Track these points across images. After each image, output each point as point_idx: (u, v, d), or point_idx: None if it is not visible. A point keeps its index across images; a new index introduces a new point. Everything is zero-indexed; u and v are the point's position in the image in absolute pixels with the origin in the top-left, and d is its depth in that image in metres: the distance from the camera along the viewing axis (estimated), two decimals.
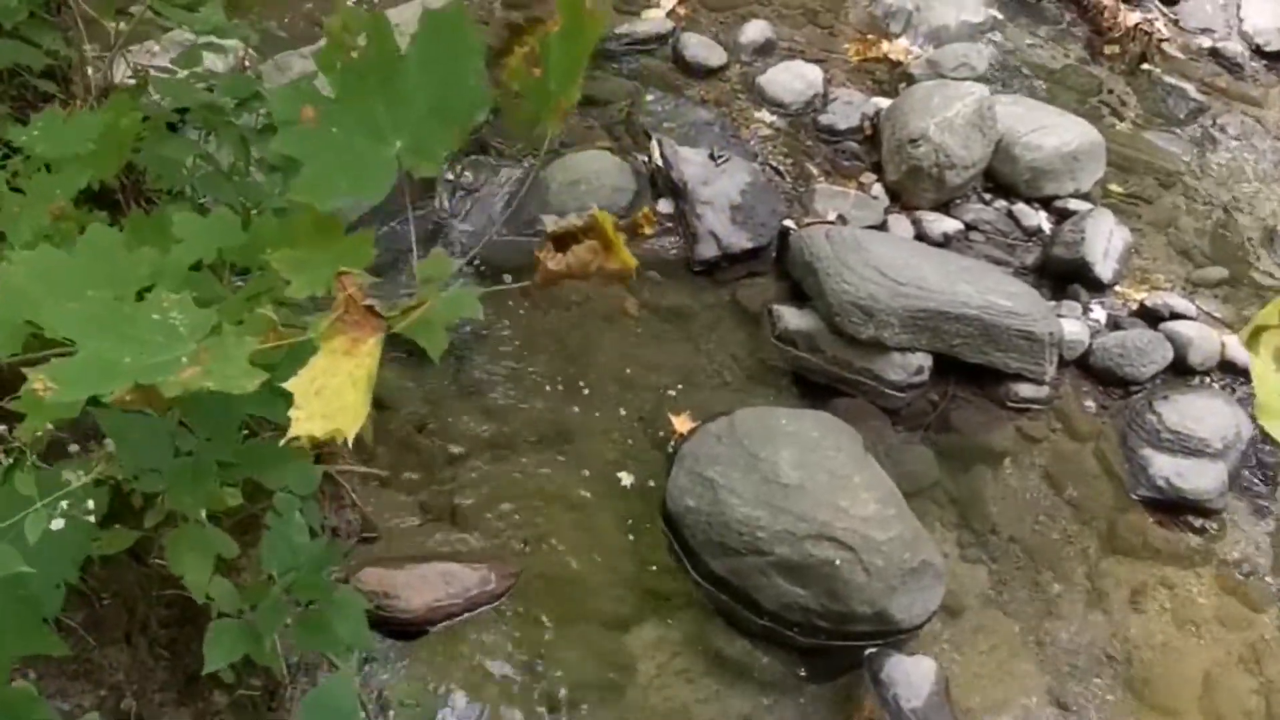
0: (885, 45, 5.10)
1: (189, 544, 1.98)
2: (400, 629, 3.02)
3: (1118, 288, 4.30)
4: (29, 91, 2.64)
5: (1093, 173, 4.62)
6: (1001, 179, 4.56)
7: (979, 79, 4.86)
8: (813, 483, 3.24)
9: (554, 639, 3.11)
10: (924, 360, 3.81)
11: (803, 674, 3.17)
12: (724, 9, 5.14)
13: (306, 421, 0.96)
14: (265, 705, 2.55)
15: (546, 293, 3.85)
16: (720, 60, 4.86)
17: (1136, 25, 5.37)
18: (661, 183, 4.28)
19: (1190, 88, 5.31)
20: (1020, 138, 4.52)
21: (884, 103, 4.70)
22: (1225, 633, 3.48)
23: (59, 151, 1.69)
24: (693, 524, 3.28)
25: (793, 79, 4.79)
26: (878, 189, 4.48)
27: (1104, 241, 4.29)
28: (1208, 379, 4.09)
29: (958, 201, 4.48)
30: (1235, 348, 4.10)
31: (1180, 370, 4.07)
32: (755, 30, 5.00)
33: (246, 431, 2.29)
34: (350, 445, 0.96)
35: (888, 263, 3.83)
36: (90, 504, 1.55)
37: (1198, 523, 3.72)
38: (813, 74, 4.82)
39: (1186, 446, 3.77)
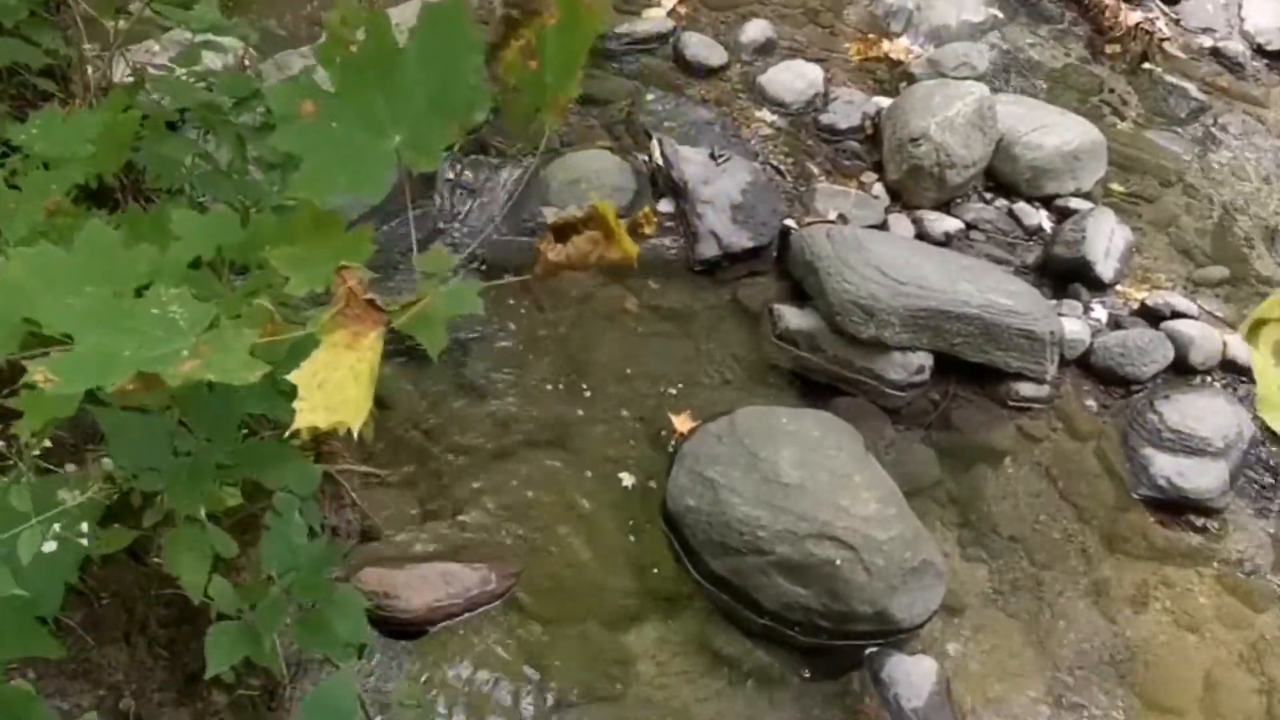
0: (886, 44, 5.10)
1: (186, 544, 1.97)
2: (400, 629, 3.01)
3: (1119, 287, 4.30)
4: (29, 90, 2.64)
5: (1094, 172, 4.61)
6: (1002, 178, 4.55)
7: (979, 78, 4.85)
8: (813, 482, 3.23)
9: (554, 639, 3.10)
10: (925, 359, 3.81)
11: (803, 674, 3.16)
12: (725, 8, 5.14)
13: (310, 414, 0.95)
14: (265, 705, 2.54)
15: (548, 291, 3.87)
16: (721, 59, 4.86)
17: (1137, 24, 5.37)
18: (662, 182, 4.27)
19: (1191, 87, 5.31)
20: (1021, 137, 4.52)
21: (885, 102, 4.70)
22: (1226, 632, 3.47)
23: (57, 151, 1.68)
24: (693, 523, 3.28)
25: (793, 78, 4.78)
26: (878, 188, 4.48)
27: (1105, 240, 4.28)
28: (1209, 378, 4.09)
29: (958, 201, 4.48)
30: (1236, 347, 4.09)
31: (1181, 369, 4.07)
32: (756, 29, 5.00)
33: (246, 431, 2.29)
34: (355, 438, 0.95)
35: (888, 262, 3.83)
36: (84, 526, 1.54)
37: (1199, 522, 3.72)
38: (813, 73, 4.82)
39: (1188, 446, 3.76)
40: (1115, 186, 4.73)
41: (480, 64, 1.15)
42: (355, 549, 3.11)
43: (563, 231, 1.13)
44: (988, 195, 4.55)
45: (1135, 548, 3.62)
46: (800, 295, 3.99)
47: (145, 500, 2.03)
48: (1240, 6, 5.67)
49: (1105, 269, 4.25)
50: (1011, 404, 3.89)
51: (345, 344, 0.97)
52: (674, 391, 3.73)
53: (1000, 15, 5.38)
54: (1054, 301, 4.15)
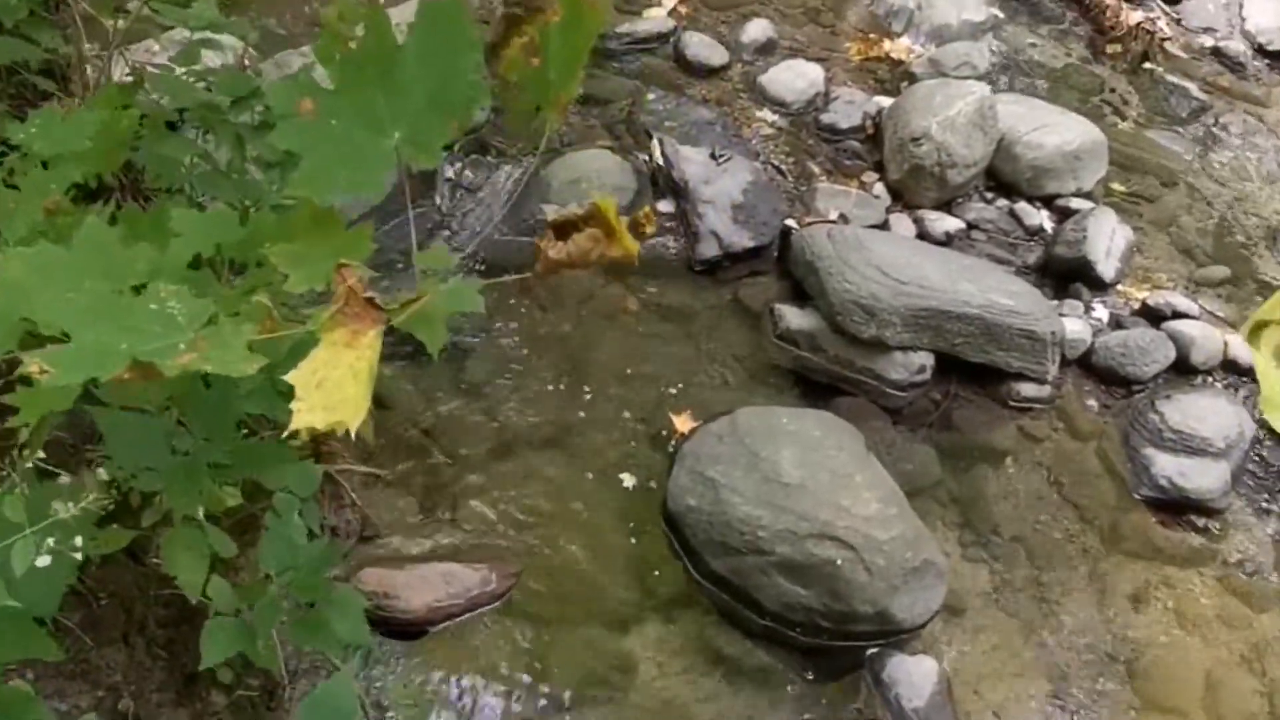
0: (887, 44, 5.10)
1: (184, 543, 1.97)
2: (400, 629, 3.01)
3: (1120, 287, 4.29)
4: (28, 90, 2.63)
5: (1095, 171, 4.61)
6: (1003, 178, 4.55)
7: (980, 78, 4.85)
8: (814, 482, 3.23)
9: (554, 639, 3.10)
10: (926, 359, 3.80)
11: (804, 674, 3.16)
12: (725, 8, 5.13)
13: (308, 413, 0.94)
14: (264, 706, 2.54)
15: (548, 291, 3.86)
16: (722, 59, 4.85)
17: (1138, 24, 5.37)
18: (663, 182, 4.26)
19: (1192, 87, 5.30)
20: (1022, 136, 4.51)
21: (886, 102, 4.69)
22: (1228, 632, 3.47)
23: (56, 149, 1.67)
24: (694, 523, 3.27)
25: (794, 78, 4.78)
26: (879, 188, 4.48)
27: (1106, 240, 4.27)
28: (1210, 378, 4.08)
29: (959, 200, 4.47)
30: (1238, 347, 4.09)
31: (1183, 369, 4.06)
32: (757, 29, 4.99)
33: (246, 432, 2.28)
34: (353, 437, 0.95)
35: (889, 262, 3.82)
36: (79, 540, 1.53)
37: (1200, 522, 3.71)
38: (814, 73, 4.81)
39: (1189, 446, 3.76)
40: (1116, 186, 4.73)
41: (479, 60, 1.15)
42: (355, 549, 3.11)
43: (563, 229, 1.12)
44: (989, 195, 4.54)
45: (1136, 548, 3.62)
46: (801, 295, 3.98)
47: (144, 500, 2.02)
48: (1241, 6, 5.67)
49: (1106, 269, 4.25)
50: (1012, 404, 3.88)
51: (344, 342, 0.96)
52: (674, 391, 3.72)
53: (1001, 15, 5.38)
54: (1055, 301, 4.14)
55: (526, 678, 3.01)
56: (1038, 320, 3.82)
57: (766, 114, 4.69)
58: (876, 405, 3.78)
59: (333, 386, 0.94)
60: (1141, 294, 4.26)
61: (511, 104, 1.20)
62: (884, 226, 4.30)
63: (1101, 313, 4.19)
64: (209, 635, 2.02)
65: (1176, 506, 3.71)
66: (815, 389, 3.81)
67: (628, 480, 3.47)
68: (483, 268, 3.90)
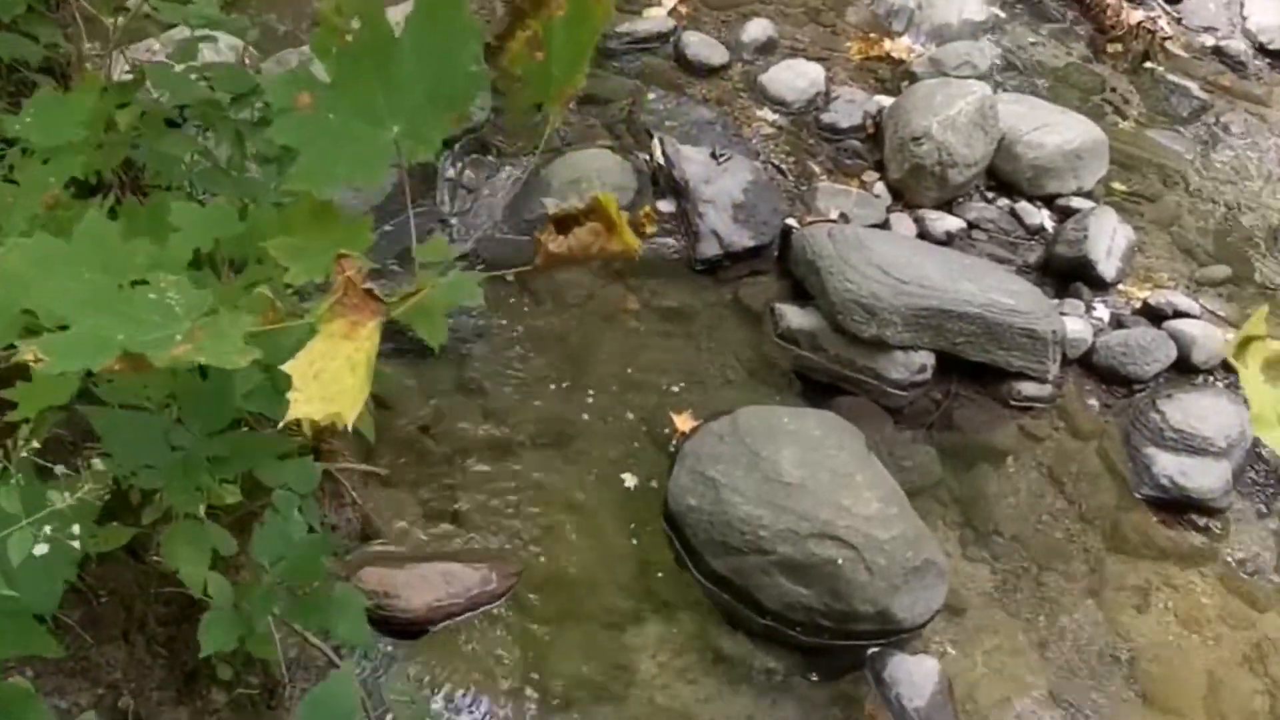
0: (887, 43, 5.09)
1: (185, 538, 1.97)
2: (401, 629, 3.00)
3: (1121, 286, 4.29)
4: (28, 89, 2.63)
5: (1095, 171, 4.60)
6: (1004, 177, 4.55)
7: (981, 77, 4.84)
8: (815, 481, 3.22)
9: (555, 638, 3.09)
10: (926, 359, 3.80)
11: (805, 674, 3.15)
12: (726, 7, 5.13)
13: (305, 404, 0.94)
14: (264, 704, 2.53)
15: (549, 291, 3.86)
16: (722, 59, 4.85)
17: (1139, 23, 5.36)
18: (663, 181, 4.26)
19: (1193, 86, 5.30)
20: (1023, 136, 4.51)
21: (886, 101, 4.69)
22: (1229, 632, 3.46)
23: (52, 138, 1.67)
24: (694, 523, 3.27)
25: (795, 77, 4.77)
26: (880, 187, 4.47)
27: (1107, 240, 4.27)
28: (1211, 377, 4.08)
29: (960, 200, 4.47)
30: None
31: (1184, 369, 4.05)
32: (757, 29, 4.99)
33: (246, 429, 2.28)
34: (349, 429, 0.94)
35: (890, 261, 3.82)
36: (76, 529, 1.53)
37: (1201, 522, 3.70)
38: (815, 72, 4.81)
39: (1190, 445, 3.75)
40: (1117, 185, 4.72)
41: (478, 52, 1.14)
42: (355, 548, 3.10)
43: (564, 223, 1.12)
44: (989, 194, 4.54)
45: (1137, 547, 3.61)
46: (802, 294, 3.98)
47: (144, 498, 2.02)
48: (1242, 5, 5.66)
49: (1107, 268, 4.24)
50: (1013, 403, 3.88)
51: (342, 334, 0.96)
52: (675, 391, 3.72)
53: (1002, 14, 5.38)
54: (1056, 301, 4.14)
55: (527, 677, 3.01)
56: (1039, 319, 3.82)
57: (767, 113, 4.69)
58: (877, 405, 3.78)
59: (330, 378, 0.93)
60: (1142, 293, 4.26)
61: (514, 98, 1.20)
62: (885, 226, 4.30)
63: (1102, 312, 4.18)
64: (207, 625, 2.02)
65: (1178, 506, 3.71)
66: (816, 388, 3.81)
67: (628, 480, 3.46)
68: (483, 267, 3.89)
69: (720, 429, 3.42)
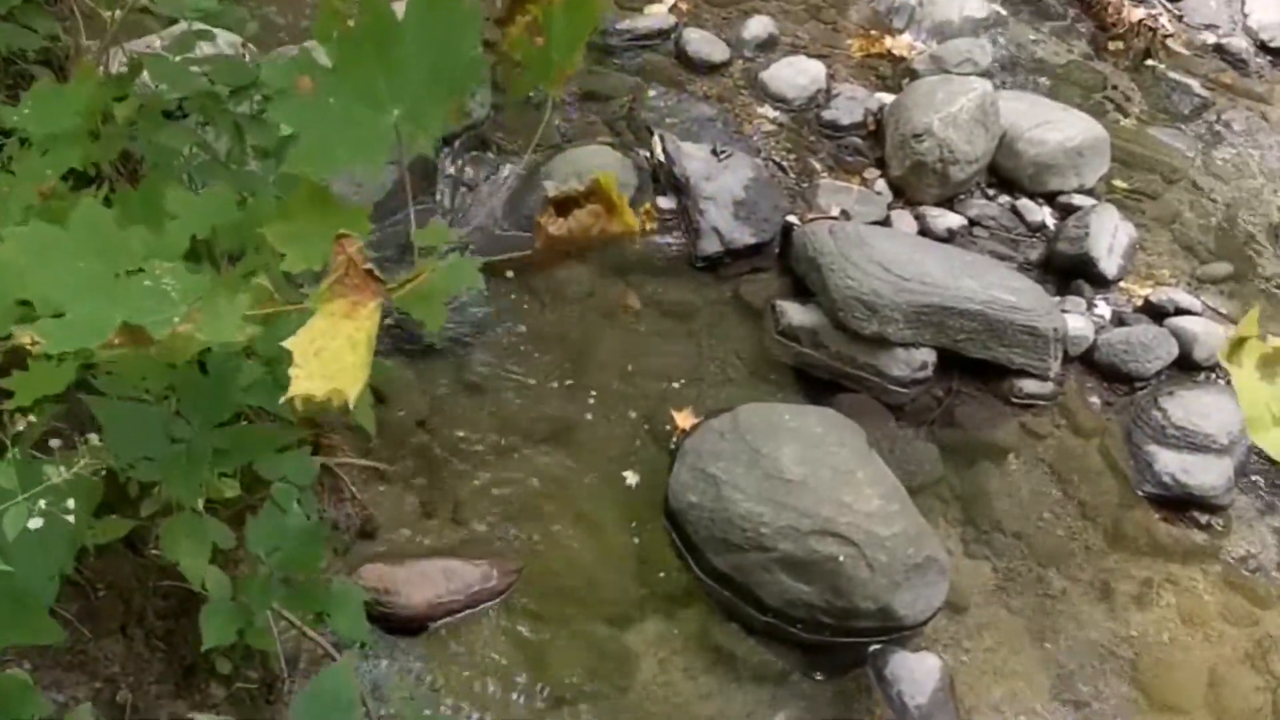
0: (888, 41, 5.08)
1: (185, 531, 1.96)
2: (401, 626, 3.00)
3: (1122, 283, 4.28)
4: (26, 81, 2.62)
5: (1097, 168, 4.60)
6: (1005, 174, 4.54)
7: (982, 74, 4.83)
8: (816, 478, 3.22)
9: (555, 636, 3.09)
10: (928, 356, 3.79)
11: (806, 671, 3.15)
12: (727, 4, 5.12)
13: (306, 381, 0.93)
14: (263, 698, 2.53)
15: (549, 287, 3.85)
16: (723, 56, 4.84)
17: (1141, 21, 5.36)
18: (663, 178, 4.25)
19: (1195, 83, 5.29)
20: (1024, 133, 4.50)
21: (887, 98, 4.68)
22: (1231, 629, 3.46)
23: (50, 128, 1.67)
24: (695, 520, 3.26)
25: (796, 74, 4.76)
26: (881, 184, 4.46)
27: (1108, 237, 4.26)
28: (1213, 375, 4.07)
29: (961, 197, 4.46)
30: None
31: (1185, 366, 4.05)
32: (758, 26, 4.98)
33: (245, 422, 2.27)
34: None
35: (891, 258, 3.81)
36: (70, 502, 1.52)
37: (1203, 519, 3.70)
38: (816, 69, 4.80)
39: (1192, 442, 3.74)
40: (1118, 183, 4.71)
41: (479, 36, 1.14)
42: (355, 545, 3.10)
43: (564, 205, 1.11)
44: (991, 191, 4.53)
45: (1139, 545, 3.61)
46: (803, 291, 3.97)
47: (142, 490, 2.01)
48: (1243, 3, 5.65)
49: (1109, 265, 4.23)
50: (1015, 401, 3.87)
51: (343, 313, 0.95)
52: (676, 387, 3.71)
53: (1003, 11, 5.37)
54: (1057, 298, 4.13)
55: (527, 674, 3.01)
56: (1040, 316, 3.81)
57: (768, 110, 4.68)
58: (878, 402, 3.77)
59: (331, 356, 0.92)
60: (1144, 290, 4.25)
61: (514, 83, 1.19)
62: (886, 223, 4.29)
63: (1104, 309, 4.18)
64: (207, 618, 2.02)
65: (1179, 503, 3.70)
66: (817, 385, 3.80)
67: (629, 477, 3.46)
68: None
69: (721, 426, 3.41)
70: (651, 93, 4.64)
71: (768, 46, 4.94)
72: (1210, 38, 5.55)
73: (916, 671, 3.13)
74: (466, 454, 3.42)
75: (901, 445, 3.67)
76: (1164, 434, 3.77)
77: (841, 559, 3.11)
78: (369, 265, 0.98)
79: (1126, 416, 3.89)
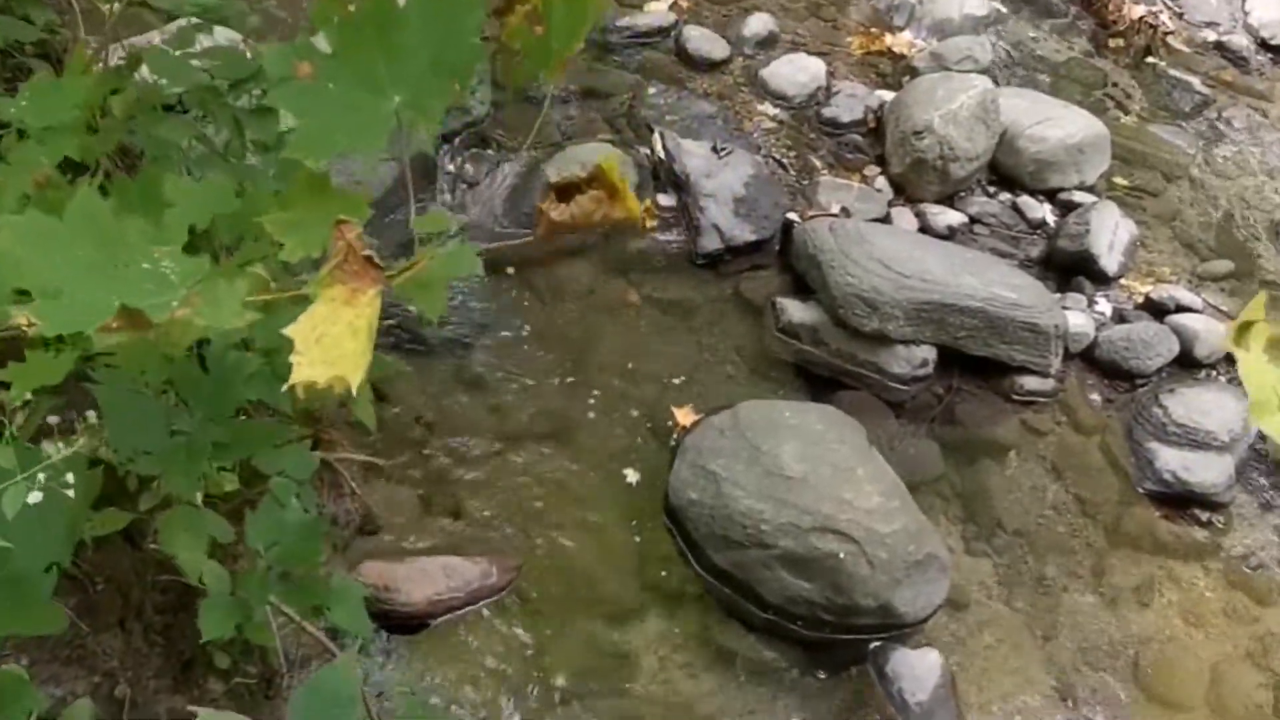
0: (888, 38, 5.08)
1: (183, 524, 1.95)
2: (401, 623, 2.99)
3: (1123, 281, 4.28)
4: (23, 74, 2.61)
5: (1097, 165, 4.59)
6: (1005, 171, 4.53)
7: (983, 72, 4.83)
8: (816, 475, 3.21)
9: (556, 633, 3.08)
10: (928, 353, 3.79)
11: (806, 668, 3.14)
12: (727, 2, 5.11)
13: (308, 367, 0.92)
14: (262, 694, 2.52)
15: (549, 284, 3.85)
16: (723, 53, 4.84)
17: (1141, 18, 5.35)
18: (664, 175, 4.25)
19: (1195, 81, 5.29)
20: (1024, 130, 4.49)
21: (887, 96, 4.68)
22: (1232, 627, 3.45)
23: (47, 120, 1.66)
24: (695, 517, 3.25)
25: (796, 72, 4.76)
26: (881, 182, 4.46)
27: (1109, 234, 4.26)
28: (1214, 372, 4.07)
29: (962, 194, 4.45)
30: None
31: (1186, 363, 4.04)
32: (758, 23, 4.97)
33: (244, 416, 2.26)
34: (354, 393, 0.93)
35: (891, 255, 3.80)
36: (70, 477, 1.51)
37: (1204, 516, 3.69)
38: (816, 67, 4.79)
39: (1193, 439, 3.74)
40: (1119, 180, 4.71)
41: (481, 22, 1.13)
42: (355, 542, 3.09)
43: (566, 191, 1.10)
44: (991, 189, 4.52)
45: (1140, 542, 3.60)
46: (803, 289, 3.96)
47: (141, 484, 2.01)
48: (1244, 0, 5.65)
49: (1109, 263, 4.23)
50: (1015, 398, 3.86)
51: (343, 299, 0.94)
52: (676, 385, 3.71)
53: (1003, 9, 5.37)
54: (1058, 295, 4.13)
55: (527, 671, 3.00)
56: (1040, 313, 3.80)
57: (768, 108, 4.67)
58: (879, 399, 3.77)
59: (332, 342, 0.92)
60: (1145, 288, 4.25)
61: (512, 70, 1.18)
62: (886, 220, 4.28)
63: (1105, 306, 4.17)
64: (206, 610, 2.01)
65: (1180, 500, 3.70)
66: (817, 383, 3.80)
67: (629, 474, 3.45)
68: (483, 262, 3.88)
69: (721, 423, 3.40)
70: (651, 90, 4.64)
71: (768, 44, 4.94)
72: (1211, 35, 5.55)
73: (917, 668, 3.12)
74: (466, 451, 3.41)
75: (902, 442, 3.67)
76: (1165, 431, 3.77)
77: (842, 556, 3.10)
78: (369, 251, 0.97)
79: (1127, 414, 3.88)
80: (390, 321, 3.57)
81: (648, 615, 3.17)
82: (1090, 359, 4.02)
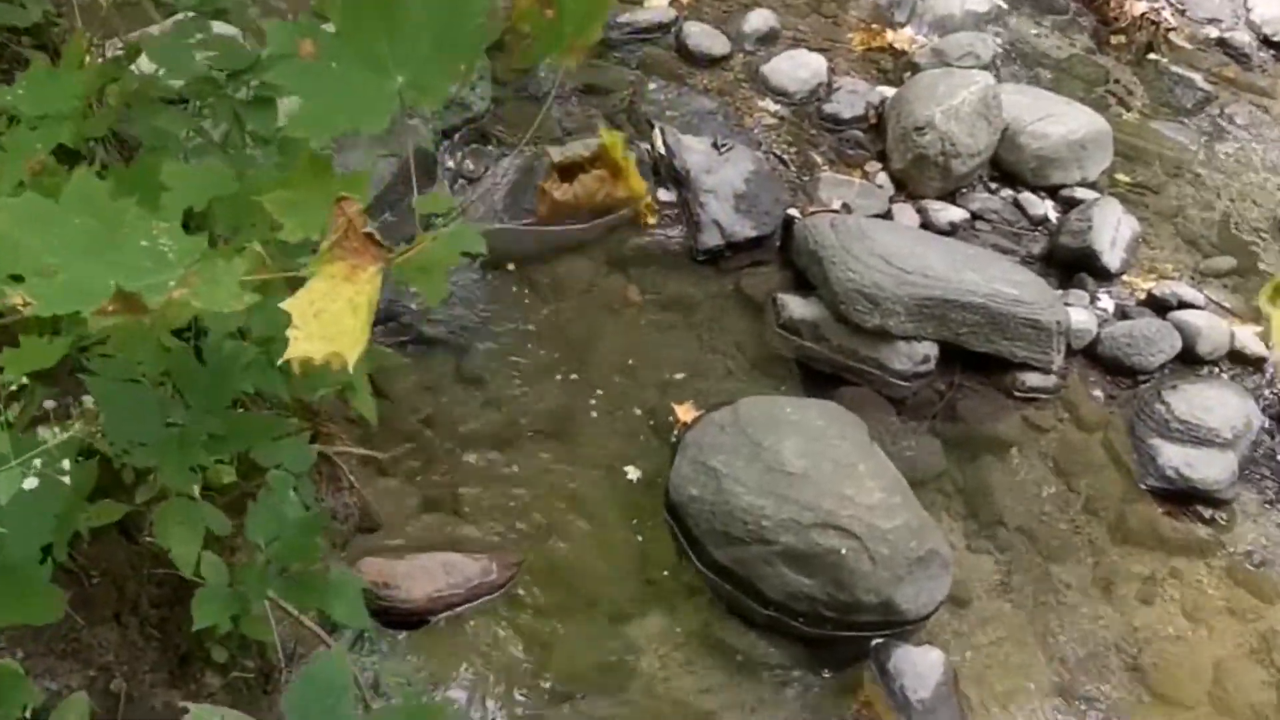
0: (890, 34, 5.06)
1: (178, 517, 1.94)
2: (401, 619, 2.98)
3: (1125, 277, 4.26)
4: (20, 65, 2.60)
5: (1099, 162, 4.58)
6: (1007, 168, 4.52)
7: (984, 68, 4.81)
8: (817, 471, 3.19)
9: (556, 629, 3.07)
10: (930, 349, 3.77)
11: (808, 665, 3.13)
12: None
13: (305, 342, 0.91)
14: (260, 688, 2.50)
15: (550, 281, 3.84)
16: (723, 49, 4.82)
17: (1143, 14, 5.34)
18: (664, 171, 4.23)
19: (1197, 77, 5.28)
20: (1026, 126, 4.48)
21: (889, 92, 4.66)
22: (1235, 624, 3.44)
23: (44, 109, 1.64)
24: (696, 513, 3.24)
25: (796, 68, 4.74)
26: (883, 178, 4.44)
27: (1111, 230, 4.24)
28: (1216, 369, 4.06)
29: (963, 190, 4.44)
30: (1244, 337, 4.06)
31: (1189, 360, 4.03)
32: (759, 19, 4.96)
33: (240, 408, 2.25)
34: (351, 370, 0.91)
35: (893, 251, 3.79)
36: (65, 463, 1.49)
37: (1207, 513, 3.68)
38: (817, 63, 4.78)
39: (1195, 436, 3.73)
40: (1121, 177, 4.70)
41: (487, 2, 1.11)
42: (355, 539, 3.08)
43: (569, 171, 1.08)
44: (993, 185, 4.51)
45: (1143, 539, 3.59)
46: (804, 285, 3.95)
47: (138, 477, 1.99)
48: None
49: (1111, 259, 4.21)
50: (1017, 394, 3.85)
51: (343, 275, 0.93)
52: (677, 381, 3.70)
53: (1005, 5, 5.35)
54: (1060, 291, 4.11)
55: (527, 668, 2.99)
56: (1043, 310, 3.79)
57: (769, 104, 4.66)
58: (880, 395, 3.75)
59: (330, 319, 0.90)
60: (1147, 284, 4.23)
61: (522, 54, 1.16)
62: (887, 216, 4.27)
63: (1107, 303, 4.16)
64: (199, 600, 1.99)
65: (1183, 497, 3.68)
66: (818, 379, 3.78)
67: (629, 470, 3.44)
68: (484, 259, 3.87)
69: (722, 419, 3.39)
70: (652, 86, 4.62)
71: (768, 40, 4.92)
72: (1213, 31, 5.53)
73: (919, 665, 3.10)
74: (467, 447, 3.40)
75: (903, 439, 3.65)
76: (1167, 428, 3.75)
77: (843, 552, 3.08)
78: (369, 229, 0.95)
79: (1130, 410, 3.87)
80: (392, 324, 3.56)
81: (648, 612, 3.16)
82: (1092, 355, 4.01)
